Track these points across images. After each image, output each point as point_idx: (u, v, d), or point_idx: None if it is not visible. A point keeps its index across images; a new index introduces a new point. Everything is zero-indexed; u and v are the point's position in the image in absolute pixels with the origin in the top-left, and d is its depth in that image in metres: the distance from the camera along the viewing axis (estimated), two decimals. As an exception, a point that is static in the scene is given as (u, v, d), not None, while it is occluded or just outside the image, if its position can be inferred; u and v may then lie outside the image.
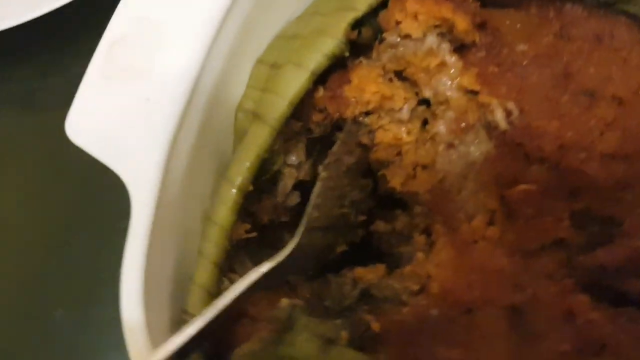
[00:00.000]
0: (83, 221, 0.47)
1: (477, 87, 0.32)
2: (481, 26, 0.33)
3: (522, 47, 0.33)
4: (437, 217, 0.31)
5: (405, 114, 0.33)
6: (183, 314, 0.28)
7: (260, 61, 0.35)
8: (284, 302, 0.28)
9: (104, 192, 0.47)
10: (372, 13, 0.33)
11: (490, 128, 0.31)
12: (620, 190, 0.29)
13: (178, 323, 0.29)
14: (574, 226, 0.29)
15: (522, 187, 0.29)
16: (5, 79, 0.54)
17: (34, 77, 0.53)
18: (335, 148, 0.32)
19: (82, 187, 0.48)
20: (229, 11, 0.30)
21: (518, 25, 0.34)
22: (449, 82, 0.32)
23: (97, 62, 0.29)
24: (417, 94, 0.33)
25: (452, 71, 0.32)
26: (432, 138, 0.33)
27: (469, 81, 0.32)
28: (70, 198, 0.48)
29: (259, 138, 0.30)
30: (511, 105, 0.30)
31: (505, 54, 0.33)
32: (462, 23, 0.31)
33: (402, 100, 0.33)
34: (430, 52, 0.32)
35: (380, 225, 0.35)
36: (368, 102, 0.32)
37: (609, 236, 0.28)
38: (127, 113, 0.28)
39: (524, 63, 0.32)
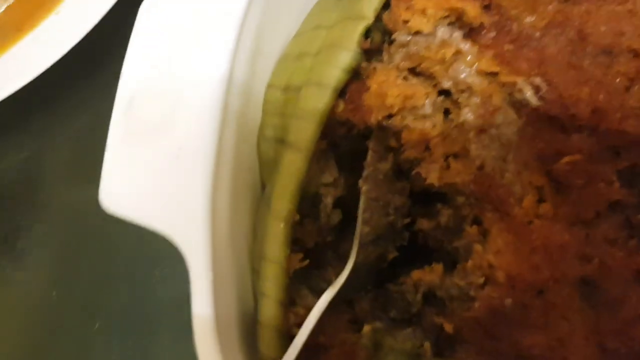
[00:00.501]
0: (118, 275, 0.47)
1: (496, 69, 0.31)
2: (486, 6, 0.32)
3: (529, 19, 0.33)
4: (485, 204, 0.31)
5: (428, 108, 0.33)
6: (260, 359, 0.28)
7: (270, 86, 0.34)
8: (367, 328, 0.28)
9: (130, 244, 0.47)
10: (377, 17, 0.32)
11: (519, 106, 0.31)
12: (661, 141, 0.29)
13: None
14: (624, 186, 0.29)
15: (568, 158, 0.29)
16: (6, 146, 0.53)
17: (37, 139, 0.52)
18: (369, 158, 0.32)
19: (106, 243, 0.48)
20: (237, 45, 0.29)
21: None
22: (468, 69, 0.32)
23: (117, 122, 0.28)
24: (434, 86, 0.33)
25: (468, 58, 0.31)
26: (459, 126, 0.32)
27: (487, 64, 0.31)
28: (100, 256, 0.47)
29: (295, 166, 0.30)
30: (537, 81, 0.30)
31: (515, 29, 0.32)
32: (472, 10, 0.30)
33: (424, 96, 0.32)
34: (444, 44, 0.31)
35: (424, 223, 0.34)
36: (391, 106, 0.32)
37: (661, 189, 0.29)
38: (160, 172, 0.28)
39: (537, 35, 0.32)
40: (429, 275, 0.32)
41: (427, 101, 0.33)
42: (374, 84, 0.32)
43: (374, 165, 0.32)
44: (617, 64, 0.31)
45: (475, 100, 0.32)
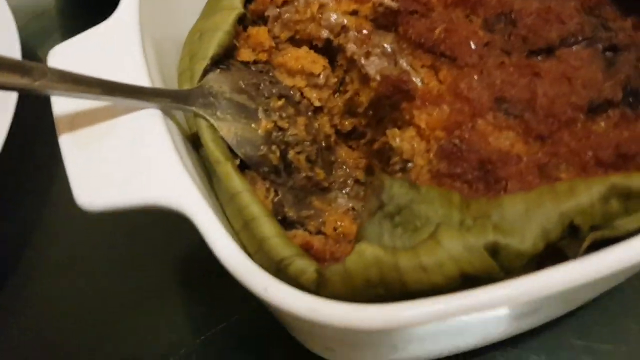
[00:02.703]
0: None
1: (355, 7, 0.39)
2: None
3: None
4: (400, 100, 0.36)
5: (322, 79, 0.39)
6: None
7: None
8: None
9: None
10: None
11: (385, 21, 0.38)
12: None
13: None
14: (488, 31, 0.36)
15: (438, 30, 0.36)
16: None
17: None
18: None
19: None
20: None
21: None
22: (335, 14, 0.39)
23: (65, 134, 0.30)
24: (316, 47, 0.40)
25: (331, 6, 0.39)
26: (350, 60, 0.38)
27: (347, 6, 0.39)
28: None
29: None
30: (386, -8, 0.37)
31: (352, -24, 0.40)
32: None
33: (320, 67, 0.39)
34: (307, 2, 0.39)
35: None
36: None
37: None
38: (122, 158, 0.30)
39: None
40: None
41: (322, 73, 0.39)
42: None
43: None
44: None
45: (352, 34, 0.39)
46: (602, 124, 0.33)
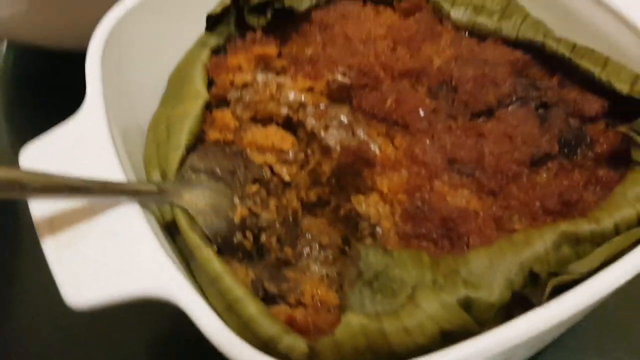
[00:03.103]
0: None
1: (310, 84, 0.42)
2: (279, 55, 0.43)
3: (309, 51, 0.44)
4: (362, 169, 0.39)
5: (291, 155, 0.42)
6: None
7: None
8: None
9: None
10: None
11: (340, 95, 0.41)
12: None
13: None
14: (433, 98, 0.40)
15: (389, 101, 0.39)
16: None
17: None
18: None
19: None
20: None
21: (295, 47, 0.46)
22: (292, 92, 0.41)
23: (45, 237, 0.31)
24: (277, 124, 0.42)
25: (288, 85, 0.41)
26: (310, 133, 0.41)
27: (303, 84, 0.41)
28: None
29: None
30: (340, 69, 0.41)
31: (304, 58, 0.43)
32: (271, 50, 0.41)
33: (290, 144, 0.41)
34: (265, 84, 0.41)
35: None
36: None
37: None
38: (108, 252, 0.31)
39: (318, 52, 0.43)
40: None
41: (290, 151, 0.41)
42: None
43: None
44: (379, 41, 0.43)
45: (310, 109, 0.41)
46: (544, 175, 0.37)
